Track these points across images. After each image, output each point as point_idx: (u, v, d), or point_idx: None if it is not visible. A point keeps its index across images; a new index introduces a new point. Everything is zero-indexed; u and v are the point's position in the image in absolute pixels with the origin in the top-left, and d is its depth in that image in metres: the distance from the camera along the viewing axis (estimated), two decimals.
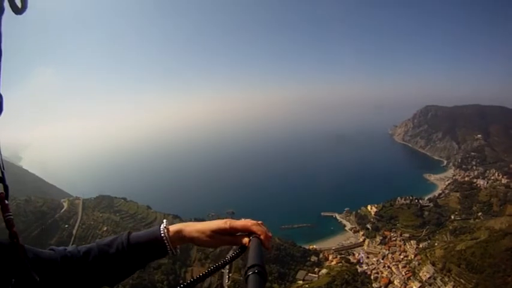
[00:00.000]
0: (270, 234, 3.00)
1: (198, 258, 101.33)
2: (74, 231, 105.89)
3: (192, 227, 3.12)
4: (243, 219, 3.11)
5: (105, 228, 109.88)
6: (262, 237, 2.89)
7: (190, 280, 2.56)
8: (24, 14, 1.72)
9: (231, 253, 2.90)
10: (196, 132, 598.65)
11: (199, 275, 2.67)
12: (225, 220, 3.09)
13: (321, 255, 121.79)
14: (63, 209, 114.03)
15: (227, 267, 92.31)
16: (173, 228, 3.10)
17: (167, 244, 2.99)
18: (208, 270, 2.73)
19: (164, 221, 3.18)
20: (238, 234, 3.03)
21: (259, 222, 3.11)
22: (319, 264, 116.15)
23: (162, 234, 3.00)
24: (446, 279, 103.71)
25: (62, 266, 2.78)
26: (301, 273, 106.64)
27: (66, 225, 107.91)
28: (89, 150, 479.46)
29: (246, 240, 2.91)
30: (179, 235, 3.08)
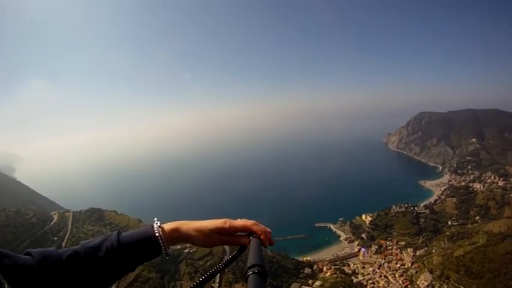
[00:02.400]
0: (269, 230, 3.05)
1: (187, 272, 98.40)
2: (64, 244, 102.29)
3: (188, 226, 3.07)
4: (239, 219, 3.10)
5: None
6: (262, 237, 2.95)
7: (195, 283, 2.65)
8: None
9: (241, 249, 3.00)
10: (188, 144, 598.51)
11: (203, 278, 2.71)
12: (224, 219, 3.06)
13: (315, 267, 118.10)
14: (53, 221, 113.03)
15: (217, 281, 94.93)
16: (168, 226, 3.05)
17: (162, 244, 2.93)
18: (210, 272, 2.81)
19: (155, 219, 3.10)
20: (237, 234, 3.06)
21: (255, 222, 3.12)
22: (313, 276, 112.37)
23: (157, 233, 2.94)
24: (445, 286, 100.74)
25: (40, 272, 2.66)
26: (294, 286, 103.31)
27: (56, 238, 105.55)
28: (83, 162, 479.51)
29: (245, 240, 2.97)
30: (175, 234, 3.03)
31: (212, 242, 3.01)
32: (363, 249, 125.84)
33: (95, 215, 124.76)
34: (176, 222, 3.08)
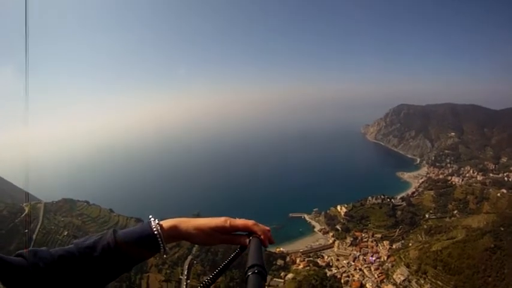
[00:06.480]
0: (269, 228, 2.98)
1: (154, 264, 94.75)
2: (34, 236, 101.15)
3: (188, 224, 2.99)
4: (238, 219, 3.02)
5: (65, 233, 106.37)
6: (262, 236, 2.89)
7: (201, 285, 2.58)
8: None
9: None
10: (161, 135, 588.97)
11: (207, 279, 2.64)
12: (224, 218, 2.98)
13: (288, 259, 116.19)
14: (23, 213, 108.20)
15: (185, 274, 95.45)
16: (167, 224, 2.96)
17: (160, 241, 2.85)
18: (214, 273, 2.73)
19: (150, 216, 2.99)
20: (236, 233, 2.99)
21: (255, 221, 3.05)
22: (286, 268, 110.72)
23: (155, 231, 2.86)
24: (422, 282, 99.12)
25: (35, 274, 2.55)
26: None
27: (26, 230, 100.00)
28: (60, 152, 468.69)
29: (245, 240, 2.90)
30: (174, 232, 2.94)
31: (213, 241, 2.93)
32: (371, 259, 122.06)
33: (67, 206, 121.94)
34: (175, 219, 2.95)
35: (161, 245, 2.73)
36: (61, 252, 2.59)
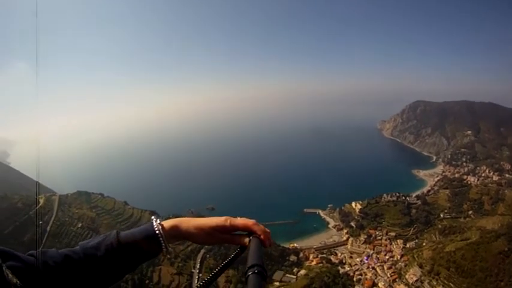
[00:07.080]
0: (268, 230, 3.02)
1: (167, 257, 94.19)
2: (48, 228, 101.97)
3: (189, 223, 3.07)
4: (239, 218, 3.10)
5: (79, 225, 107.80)
6: (262, 236, 2.94)
7: (200, 284, 2.66)
8: None
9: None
10: (176, 129, 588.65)
11: (207, 279, 2.70)
12: (224, 218, 3.06)
13: (301, 255, 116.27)
14: (38, 205, 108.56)
15: (197, 267, 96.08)
16: (168, 224, 3.04)
17: (162, 241, 2.93)
18: (214, 273, 2.78)
19: (153, 217, 3.08)
20: (236, 233, 3.06)
21: (255, 221, 3.11)
22: (299, 264, 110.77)
23: (157, 231, 2.93)
24: (435, 283, 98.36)
25: (45, 271, 2.65)
26: (278, 274, 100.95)
27: (40, 222, 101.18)
28: (77, 145, 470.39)
29: (245, 240, 2.96)
30: (175, 231, 3.02)
31: (213, 240, 3.02)
32: (365, 258, 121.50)
33: (81, 198, 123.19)
34: (176, 219, 3.06)
35: (163, 244, 2.86)
36: (67, 252, 2.72)
